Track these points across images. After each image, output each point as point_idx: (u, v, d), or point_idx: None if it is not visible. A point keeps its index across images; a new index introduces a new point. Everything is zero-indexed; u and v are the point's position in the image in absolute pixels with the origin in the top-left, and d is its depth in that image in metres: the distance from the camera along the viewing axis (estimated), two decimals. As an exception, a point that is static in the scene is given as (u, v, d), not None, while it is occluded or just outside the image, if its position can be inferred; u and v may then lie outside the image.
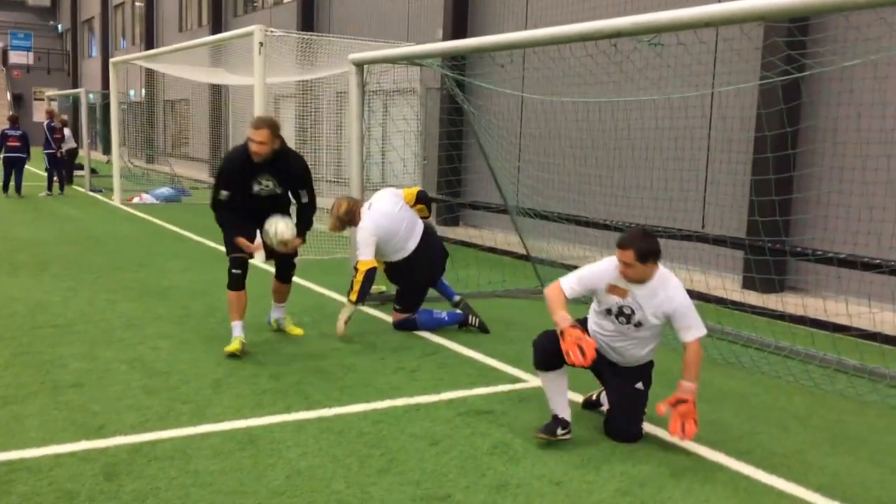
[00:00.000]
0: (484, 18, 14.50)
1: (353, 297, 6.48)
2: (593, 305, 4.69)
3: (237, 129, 18.54)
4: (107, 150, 32.62)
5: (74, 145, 19.95)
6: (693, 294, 8.00)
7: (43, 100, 40.84)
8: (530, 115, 11.97)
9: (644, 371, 4.70)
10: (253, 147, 5.90)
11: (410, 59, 7.76)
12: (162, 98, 31.36)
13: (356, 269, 6.52)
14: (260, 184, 6.08)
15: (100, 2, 39.54)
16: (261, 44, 10.25)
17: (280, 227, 6.08)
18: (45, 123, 18.76)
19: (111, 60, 18.23)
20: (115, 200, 17.13)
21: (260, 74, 10.37)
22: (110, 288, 8.20)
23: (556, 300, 4.52)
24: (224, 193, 6.04)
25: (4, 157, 16.84)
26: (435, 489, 3.83)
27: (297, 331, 6.67)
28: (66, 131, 19.41)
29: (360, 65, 7.87)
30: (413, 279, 6.88)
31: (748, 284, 8.90)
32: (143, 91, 31.16)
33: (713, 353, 6.33)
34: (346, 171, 16.89)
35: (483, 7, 14.55)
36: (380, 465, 4.10)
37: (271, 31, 10.59)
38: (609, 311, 4.54)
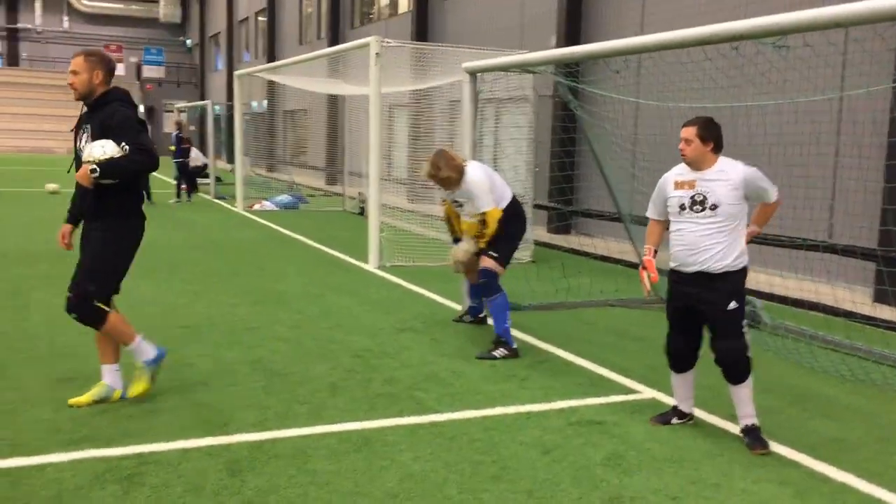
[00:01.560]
0: (598, 24, 14.34)
1: (483, 244, 6.40)
2: (671, 224, 4.73)
3: (353, 139, 18.98)
4: (231, 159, 34.09)
5: (203, 163, 20.72)
6: (819, 307, 7.68)
7: (172, 111, 43.07)
8: (645, 122, 11.74)
9: (735, 284, 4.55)
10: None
11: (524, 67, 7.76)
12: (282, 108, 32.51)
13: (485, 222, 6.34)
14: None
15: (226, 18, 41.35)
16: (377, 54, 10.47)
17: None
18: (173, 134, 19.72)
19: (235, 73, 19.02)
20: (238, 207, 17.86)
21: (375, 84, 10.59)
22: (232, 291, 8.55)
23: (647, 236, 4.94)
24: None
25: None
26: (547, 499, 3.80)
27: None
28: (195, 151, 20.24)
29: (473, 73, 7.92)
30: (511, 226, 6.52)
31: (880, 298, 8.43)
32: (265, 102, 32.35)
33: (842, 369, 6.03)
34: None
35: (597, 13, 14.40)
36: (492, 472, 4.10)
37: (387, 42, 10.80)
38: (683, 207, 4.59)
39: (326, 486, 3.86)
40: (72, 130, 5.11)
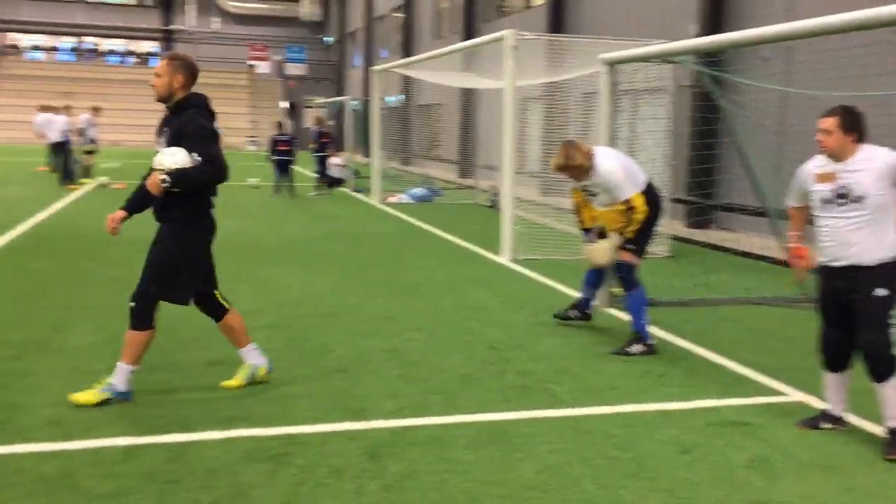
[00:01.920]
0: (741, 11, 13.76)
1: (630, 234, 6.18)
2: (816, 219, 4.50)
3: (487, 132, 19.06)
4: (367, 153, 34.97)
5: (346, 177, 21.28)
6: None
7: (312, 107, 44.60)
8: (794, 112, 11.18)
9: (885, 273, 4.29)
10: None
11: (664, 57, 7.56)
12: (417, 103, 33.06)
13: (632, 208, 6.13)
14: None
15: (364, 15, 42.39)
16: (514, 47, 10.46)
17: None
18: (313, 130, 20.41)
19: (372, 69, 19.48)
20: (375, 200, 18.31)
21: (510, 77, 10.60)
22: (369, 282, 8.78)
23: (791, 224, 4.81)
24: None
25: (274, 160, 18.52)
26: (688, 499, 3.71)
27: None
28: (337, 160, 20.79)
29: (611, 64, 7.79)
30: (648, 216, 6.27)
31: None
32: (401, 96, 33.00)
33: None
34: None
35: (742, 1, 13.82)
36: (629, 469, 4.04)
37: (522, 35, 10.78)
38: (827, 202, 4.38)
39: (465, 475, 3.91)
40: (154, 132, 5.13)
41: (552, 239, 11.52)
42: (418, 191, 19.30)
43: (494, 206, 17.21)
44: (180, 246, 4.80)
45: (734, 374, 5.74)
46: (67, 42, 53.94)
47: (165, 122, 4.89)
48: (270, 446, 4.19)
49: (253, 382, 5.11)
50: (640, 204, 6.15)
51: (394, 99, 33.32)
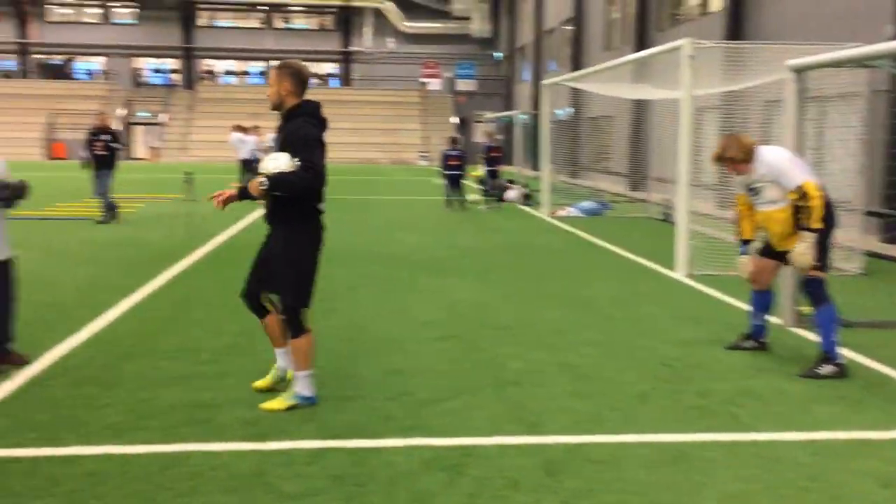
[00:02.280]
0: (947, 8, 12.67)
1: (817, 223, 5.67)
2: None
3: (659, 144, 18.58)
4: (535, 166, 35.03)
5: (518, 201, 21.59)
6: None
7: (482, 122, 45.25)
8: None
9: None
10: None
11: (859, 62, 7.08)
12: (586, 115, 32.76)
13: (805, 194, 5.65)
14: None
15: (533, 29, 42.58)
16: (690, 57, 10.16)
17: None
18: (484, 144, 20.68)
19: (542, 82, 19.53)
20: (544, 213, 18.29)
21: (687, 87, 10.30)
22: (540, 295, 8.77)
23: None
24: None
25: (446, 174, 18.92)
26: (890, 537, 3.44)
27: None
28: (513, 193, 21.21)
29: (799, 71, 7.39)
30: (825, 224, 5.81)
31: None
32: (569, 109, 32.82)
33: None
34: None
35: (946, -5, 12.72)
36: (821, 501, 3.80)
37: (700, 44, 10.44)
38: None
39: (644, 497, 3.82)
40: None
41: (730, 254, 11.01)
42: (588, 204, 19.09)
43: (667, 219, 16.73)
44: (295, 251, 4.88)
45: (941, 403, 5.27)
46: (256, 66, 57.72)
47: (279, 129, 4.99)
48: (448, 456, 4.27)
49: (281, 383, 5.20)
50: (812, 189, 5.66)
51: (562, 112, 33.19)
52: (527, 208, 20.02)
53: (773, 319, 7.61)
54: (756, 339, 6.57)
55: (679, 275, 10.18)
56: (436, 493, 3.84)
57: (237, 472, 4.05)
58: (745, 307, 8.21)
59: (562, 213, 18.29)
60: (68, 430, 4.56)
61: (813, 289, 5.95)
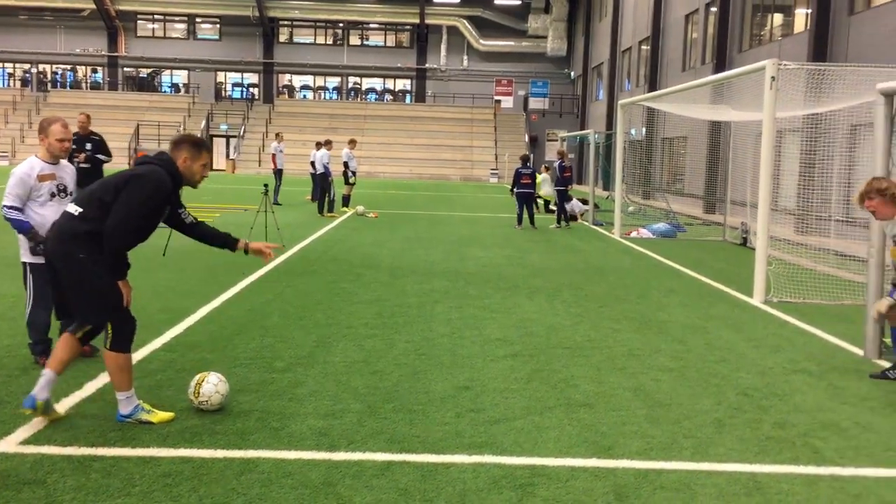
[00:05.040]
0: None
1: None
2: None
3: (737, 166, 18.19)
4: (606, 185, 34.70)
5: (581, 211, 21.92)
6: None
7: (556, 140, 45.10)
8: None
9: None
10: (204, 172, 5.06)
11: (955, 85, 6.81)
12: (660, 136, 32.31)
13: None
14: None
15: (609, 48, 42.31)
16: (772, 78, 9.94)
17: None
18: (556, 163, 20.57)
19: (619, 102, 19.33)
20: (615, 234, 18.08)
21: (770, 109, 10.06)
22: (612, 317, 8.65)
23: None
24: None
25: (517, 192, 18.86)
26: (984, 585, 3.26)
27: None
28: (577, 205, 21.47)
29: (889, 95, 7.15)
30: None
31: None
32: (644, 129, 32.44)
33: None
34: (856, 209, 15.47)
35: None
36: (909, 542, 3.63)
37: (785, 65, 10.20)
38: None
39: (717, 527, 3.72)
40: None
41: (811, 281, 10.73)
42: (661, 226, 18.80)
43: (745, 243, 16.35)
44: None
45: None
46: (333, 82, 58.81)
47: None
48: (518, 475, 4.24)
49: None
50: None
51: (635, 131, 32.84)
52: (598, 228, 19.82)
53: (855, 350, 7.38)
54: None
55: (757, 301, 9.92)
56: (504, 512, 3.81)
57: (307, 480, 4.09)
58: (826, 336, 7.98)
59: (634, 234, 18.04)
60: (146, 431, 4.68)
61: None
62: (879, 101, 7.28)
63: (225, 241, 5.15)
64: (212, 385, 5.06)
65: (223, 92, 57.61)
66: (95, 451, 4.38)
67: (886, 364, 6.77)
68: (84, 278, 4.66)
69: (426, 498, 3.93)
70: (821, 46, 19.42)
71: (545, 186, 23.15)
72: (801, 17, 22.16)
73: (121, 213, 4.64)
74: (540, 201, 22.79)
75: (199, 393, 5.04)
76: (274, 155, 23.55)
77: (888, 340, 7.07)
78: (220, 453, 4.40)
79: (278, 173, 23.49)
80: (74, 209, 4.73)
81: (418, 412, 5.21)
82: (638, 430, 5.04)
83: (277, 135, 24.42)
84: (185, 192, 5.30)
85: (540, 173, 22.91)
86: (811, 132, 14.92)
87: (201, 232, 5.16)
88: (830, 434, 5.09)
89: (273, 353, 6.59)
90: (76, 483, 3.97)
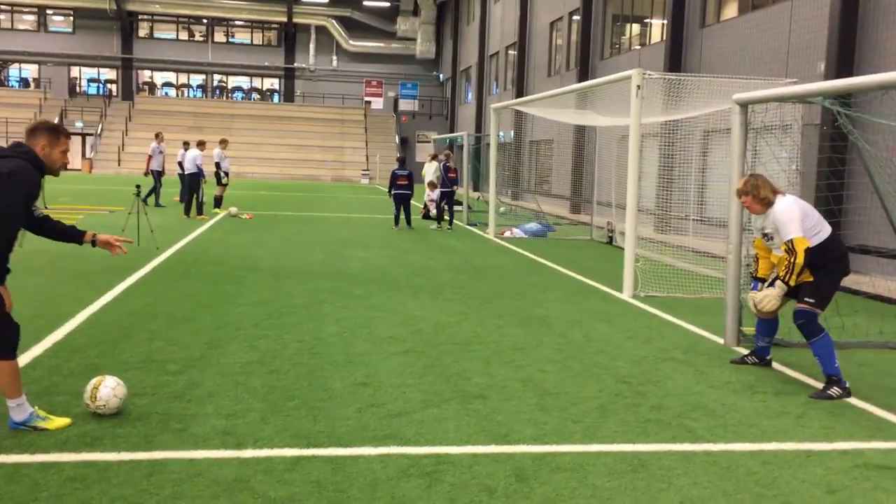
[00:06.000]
0: (876, 48, 13.46)
1: (793, 280, 6.15)
2: None
3: (602, 168, 19.12)
4: (476, 187, 35.49)
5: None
6: None
7: (429, 141, 45.58)
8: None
9: None
10: (64, 158, 4.86)
11: (801, 98, 7.54)
12: (528, 139, 33.39)
13: (792, 250, 6.12)
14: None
15: (477, 52, 43.23)
16: (638, 87, 10.60)
17: None
18: (440, 164, 20.82)
19: (492, 106, 19.88)
20: (490, 234, 18.61)
21: (636, 116, 10.72)
22: (495, 313, 9.01)
23: None
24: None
25: (394, 193, 19.08)
26: (838, 537, 3.74)
27: None
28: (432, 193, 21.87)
29: (744, 105, 7.83)
30: (831, 268, 6.31)
31: None
32: (511, 132, 33.41)
33: None
34: (711, 210, 16.64)
35: (874, 36, 13.52)
36: (775, 504, 4.09)
37: (649, 75, 10.90)
38: None
39: (608, 501, 4.05)
40: None
41: (672, 277, 11.51)
42: (532, 226, 19.49)
43: (611, 242, 17.23)
44: None
45: (875, 416, 5.66)
46: (196, 79, 57.11)
47: None
48: (423, 464, 4.44)
49: None
50: (800, 249, 6.10)
51: (502, 135, 33.77)
52: (473, 229, 20.31)
53: (716, 339, 8.03)
54: (760, 357, 7.05)
55: (626, 296, 10.55)
56: (415, 497, 4.00)
57: (219, 478, 4.14)
58: (690, 327, 8.62)
59: (508, 234, 18.63)
60: (44, 437, 4.58)
61: (804, 321, 6.24)
62: (735, 110, 7.95)
63: (73, 234, 4.99)
64: (109, 389, 4.99)
65: (78, 87, 54.85)
66: (-8, 459, 4.26)
67: (744, 351, 7.42)
68: None
69: (339, 489, 4.07)
70: (676, 56, 20.68)
71: (430, 176, 23.02)
72: (658, 28, 23.48)
73: None
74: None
75: (95, 397, 4.96)
76: (150, 156, 22.67)
77: (746, 329, 7.74)
78: (125, 456, 4.37)
79: (157, 174, 22.53)
80: None
81: (320, 409, 5.33)
82: (530, 417, 5.35)
83: (158, 135, 23.35)
84: (43, 192, 5.09)
85: (424, 163, 22.84)
86: (669, 137, 15.92)
87: (50, 226, 4.95)
88: (700, 415, 5.57)
89: (164, 355, 6.51)
90: (-23, 492, 3.87)
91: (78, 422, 4.84)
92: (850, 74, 13.56)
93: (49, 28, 54.90)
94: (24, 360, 6.10)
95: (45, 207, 14.75)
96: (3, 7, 53.86)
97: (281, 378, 6.01)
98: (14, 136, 45.14)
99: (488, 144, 23.23)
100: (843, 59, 13.74)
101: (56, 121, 46.27)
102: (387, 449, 4.63)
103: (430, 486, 4.16)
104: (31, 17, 54.72)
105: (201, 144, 20.86)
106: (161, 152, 22.66)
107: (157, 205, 21.71)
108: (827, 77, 13.81)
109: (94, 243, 5.05)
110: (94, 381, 5.06)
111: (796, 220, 6.22)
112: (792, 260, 6.15)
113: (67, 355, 6.39)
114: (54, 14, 54.85)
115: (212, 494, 3.95)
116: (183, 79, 57.13)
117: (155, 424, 4.88)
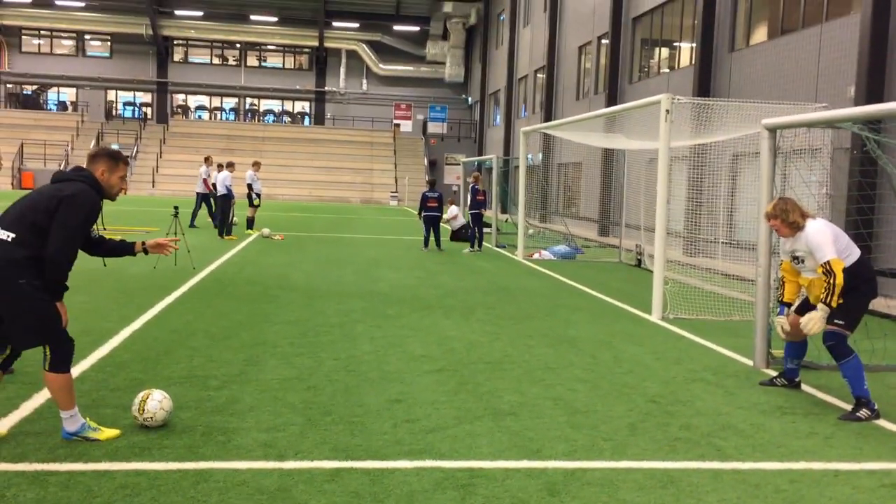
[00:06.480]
0: (904, 72, 13.48)
1: (834, 301, 6.19)
2: None
3: (631, 191, 19.21)
4: (504, 209, 35.64)
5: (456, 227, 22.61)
6: None
7: (458, 164, 45.87)
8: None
9: None
10: (122, 184, 5.17)
11: (830, 123, 7.65)
12: (556, 161, 33.55)
13: (830, 272, 6.17)
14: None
15: (506, 76, 43.57)
16: (667, 111, 10.74)
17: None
18: (470, 186, 21.02)
19: (522, 129, 20.08)
20: (519, 256, 18.74)
21: (665, 140, 10.85)
22: (526, 333, 9.14)
23: None
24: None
25: (424, 215, 19.31)
26: (865, 552, 3.82)
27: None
28: (454, 209, 22.19)
29: (773, 129, 7.94)
30: (860, 290, 6.39)
31: None
32: (540, 155, 33.58)
33: None
34: (740, 233, 16.66)
35: (904, 61, 13.55)
36: (802, 521, 4.17)
37: (677, 99, 11.03)
38: None
39: (641, 514, 4.17)
40: None
41: (701, 299, 11.56)
42: (561, 248, 19.60)
43: (640, 264, 17.29)
44: None
45: (905, 439, 5.71)
46: (229, 102, 58.07)
47: None
48: (458, 477, 4.59)
49: None
50: (837, 269, 6.15)
51: (531, 157, 33.97)
52: (502, 251, 20.46)
53: (745, 361, 8.09)
54: (789, 379, 7.12)
55: (655, 318, 10.63)
56: (451, 509, 4.15)
57: (262, 487, 4.32)
58: (719, 349, 8.69)
59: (536, 256, 18.75)
60: (94, 447, 4.79)
61: (834, 343, 6.32)
62: (764, 135, 8.06)
63: (124, 248, 5.37)
64: (156, 402, 5.20)
65: (114, 111, 56.00)
66: (48, 466, 4.48)
67: (773, 373, 7.48)
68: (24, 303, 4.72)
69: (377, 499, 4.23)
70: (705, 80, 20.78)
71: (454, 217, 23.37)
72: (687, 52, 23.60)
73: (61, 237, 4.73)
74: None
75: (143, 410, 5.17)
76: (205, 179, 22.92)
77: (775, 352, 7.80)
78: (172, 465, 4.57)
79: (201, 197, 23.07)
80: (5, 234, 4.72)
81: (357, 423, 5.49)
82: (561, 434, 5.48)
83: (207, 158, 23.48)
84: (102, 214, 5.37)
85: (447, 206, 22.98)
86: (697, 160, 16.00)
87: (109, 247, 5.31)
88: (730, 434, 5.66)
89: (205, 371, 6.73)
90: (36, 496, 4.08)
91: (126, 433, 5.06)
92: (880, 99, 13.60)
93: (87, 53, 56.19)
94: (73, 374, 6.33)
95: (104, 228, 15.15)
96: (43, 33, 55.28)
97: (318, 394, 6.19)
98: (52, 159, 46.29)
99: (517, 167, 23.43)
100: (874, 84, 13.77)
101: (93, 143, 47.36)
102: (422, 462, 4.79)
103: (465, 498, 4.30)
104: (70, 43, 56.06)
105: (230, 166, 21.25)
106: (209, 175, 22.94)
107: (192, 225, 22.12)
108: (857, 101, 13.85)
109: (145, 251, 5.35)
110: (141, 394, 5.27)
111: (830, 242, 6.30)
112: (831, 281, 6.18)
113: (113, 370, 6.63)
114: (92, 39, 56.15)
115: (256, 503, 4.12)
116: (216, 102, 58.11)
117: (199, 436, 5.08)
